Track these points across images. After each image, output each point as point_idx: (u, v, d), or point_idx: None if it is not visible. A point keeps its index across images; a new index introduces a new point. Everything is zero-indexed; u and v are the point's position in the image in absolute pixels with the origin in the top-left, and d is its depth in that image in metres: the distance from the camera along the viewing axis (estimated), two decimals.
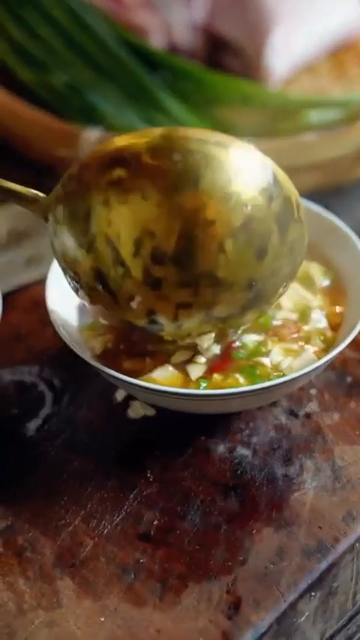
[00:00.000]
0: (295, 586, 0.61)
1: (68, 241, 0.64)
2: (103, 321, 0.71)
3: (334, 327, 0.71)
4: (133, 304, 0.63)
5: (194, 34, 1.08)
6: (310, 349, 0.69)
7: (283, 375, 0.66)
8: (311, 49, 1.09)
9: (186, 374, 0.67)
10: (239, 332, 0.68)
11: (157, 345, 0.68)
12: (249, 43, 1.06)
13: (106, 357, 0.69)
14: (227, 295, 0.63)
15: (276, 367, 0.68)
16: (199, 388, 0.66)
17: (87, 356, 0.66)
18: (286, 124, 0.99)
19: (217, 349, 0.68)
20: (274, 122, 1.00)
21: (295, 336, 0.70)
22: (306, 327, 0.70)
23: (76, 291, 0.66)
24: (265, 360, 0.68)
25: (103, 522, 0.65)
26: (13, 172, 0.76)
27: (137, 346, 0.69)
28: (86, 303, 0.67)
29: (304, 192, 0.68)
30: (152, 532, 0.64)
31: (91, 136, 0.93)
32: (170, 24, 1.08)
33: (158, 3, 1.08)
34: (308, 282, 0.74)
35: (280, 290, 0.66)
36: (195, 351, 0.68)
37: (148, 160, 0.60)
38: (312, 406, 0.72)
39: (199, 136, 0.61)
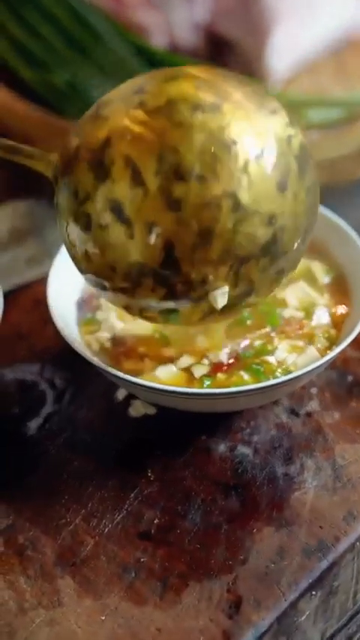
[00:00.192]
0: (295, 585, 0.61)
1: (80, 181, 0.62)
2: (102, 315, 0.71)
3: (337, 325, 0.71)
4: (152, 238, 0.61)
5: (196, 33, 1.08)
6: (315, 347, 0.69)
7: (289, 371, 0.66)
8: (312, 49, 1.09)
9: (189, 372, 0.67)
10: (253, 296, 0.65)
11: (162, 304, 0.64)
12: (250, 43, 1.06)
13: (105, 356, 0.69)
14: (248, 226, 0.61)
15: (281, 364, 0.68)
16: (202, 387, 0.66)
17: (89, 355, 0.66)
18: None
19: (224, 355, 0.68)
20: None
21: (300, 332, 0.70)
22: (311, 325, 0.71)
23: (84, 243, 0.63)
24: (270, 358, 0.68)
25: (104, 521, 0.65)
26: (14, 170, 0.75)
27: (136, 346, 0.69)
28: (96, 255, 0.63)
29: None
30: (153, 531, 0.64)
31: None
32: (172, 23, 1.08)
33: (160, 2, 1.08)
34: (312, 280, 0.74)
35: (297, 243, 0.64)
36: (199, 356, 0.68)
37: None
38: (313, 405, 0.72)
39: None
